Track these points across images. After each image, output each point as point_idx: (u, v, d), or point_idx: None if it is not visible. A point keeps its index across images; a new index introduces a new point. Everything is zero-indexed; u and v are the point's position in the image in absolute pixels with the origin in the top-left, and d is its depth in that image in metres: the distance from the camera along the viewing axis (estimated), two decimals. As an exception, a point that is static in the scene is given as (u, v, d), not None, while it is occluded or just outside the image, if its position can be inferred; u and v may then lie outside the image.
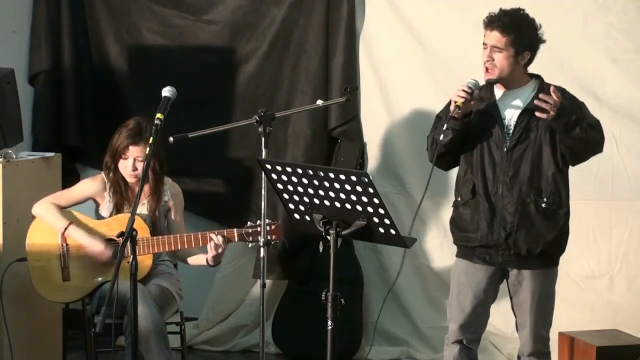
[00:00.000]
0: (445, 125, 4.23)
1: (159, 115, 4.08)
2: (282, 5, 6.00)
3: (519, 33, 4.26)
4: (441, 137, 4.25)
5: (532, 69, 4.38)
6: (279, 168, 3.78)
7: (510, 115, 4.32)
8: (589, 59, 5.57)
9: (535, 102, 4.15)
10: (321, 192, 3.71)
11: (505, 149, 4.29)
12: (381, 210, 3.64)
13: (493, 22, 4.26)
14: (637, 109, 5.54)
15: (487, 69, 4.30)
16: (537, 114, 4.17)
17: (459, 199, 4.41)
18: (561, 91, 4.23)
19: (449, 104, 4.34)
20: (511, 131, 4.30)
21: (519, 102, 4.32)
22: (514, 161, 4.28)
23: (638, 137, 5.53)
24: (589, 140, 4.23)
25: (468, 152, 4.37)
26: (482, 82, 4.36)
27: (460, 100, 4.21)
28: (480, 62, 5.04)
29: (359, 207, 3.66)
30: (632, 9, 5.52)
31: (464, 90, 4.23)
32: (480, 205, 4.31)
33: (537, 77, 4.40)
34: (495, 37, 4.26)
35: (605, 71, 5.56)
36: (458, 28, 5.72)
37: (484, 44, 4.30)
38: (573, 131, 4.18)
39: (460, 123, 4.26)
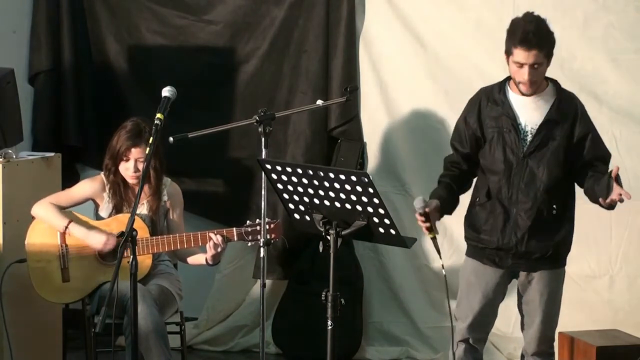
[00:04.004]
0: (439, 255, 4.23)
1: (159, 115, 4.08)
2: (282, 5, 6.00)
3: (550, 44, 4.19)
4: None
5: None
6: (279, 168, 3.78)
7: (528, 121, 4.27)
8: (589, 59, 5.56)
9: (613, 197, 4.12)
10: (321, 192, 3.70)
11: (521, 155, 4.25)
12: (381, 210, 3.64)
13: (530, 42, 4.11)
14: (637, 109, 5.53)
15: (530, 85, 4.19)
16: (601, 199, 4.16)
17: (477, 200, 4.39)
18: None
19: (457, 127, 4.38)
20: (528, 137, 4.26)
21: (538, 109, 4.26)
22: (531, 168, 4.25)
23: (638, 137, 5.52)
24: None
25: (485, 156, 4.33)
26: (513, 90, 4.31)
27: (427, 232, 4.19)
28: (479, 61, 5.08)
29: (359, 207, 3.66)
30: (632, 9, 5.52)
31: (421, 221, 4.17)
32: (497, 209, 4.30)
33: (553, 82, 4.34)
34: (535, 55, 4.12)
35: (605, 71, 5.55)
36: (458, 28, 5.72)
37: (520, 63, 4.15)
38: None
39: (442, 215, 4.29)
